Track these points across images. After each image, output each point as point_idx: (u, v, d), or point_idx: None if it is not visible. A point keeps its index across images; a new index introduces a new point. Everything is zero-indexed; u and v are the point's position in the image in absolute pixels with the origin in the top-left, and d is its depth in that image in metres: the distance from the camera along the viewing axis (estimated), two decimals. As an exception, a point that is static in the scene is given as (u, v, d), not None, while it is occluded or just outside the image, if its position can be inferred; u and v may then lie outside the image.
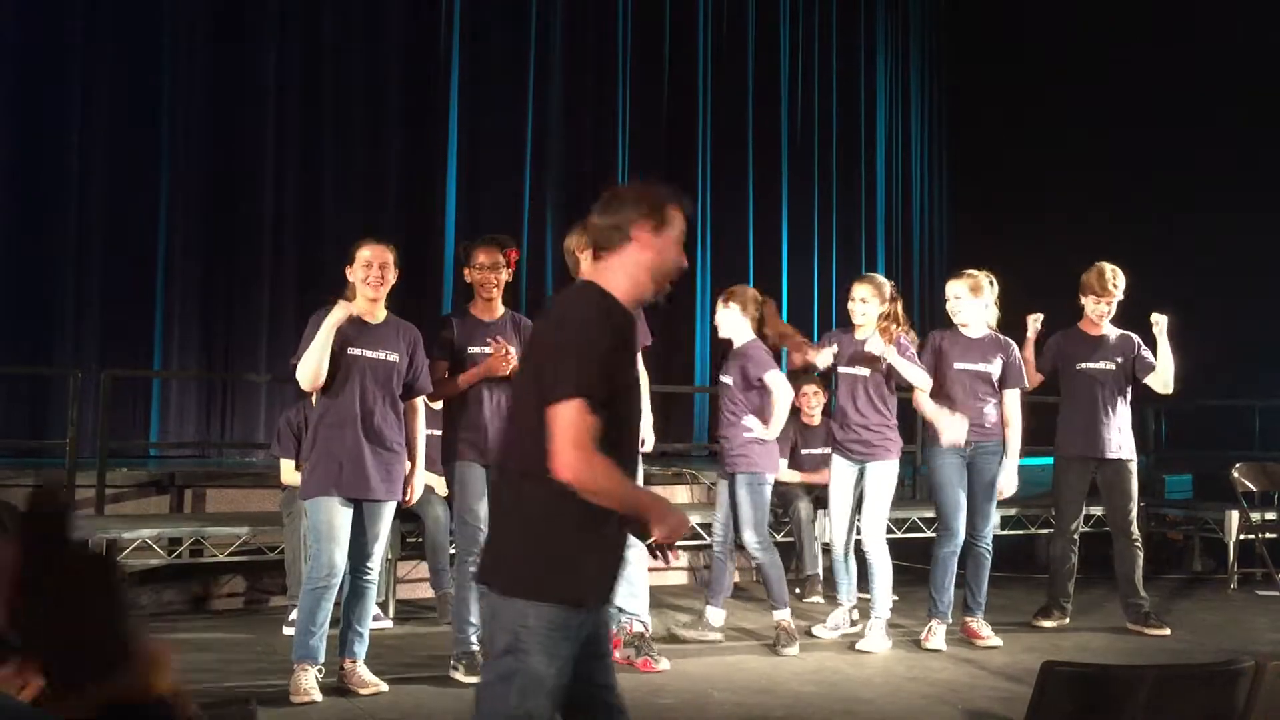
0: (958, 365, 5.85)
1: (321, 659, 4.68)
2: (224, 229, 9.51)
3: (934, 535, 6.06)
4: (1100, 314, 6.30)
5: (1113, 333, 6.36)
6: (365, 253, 4.75)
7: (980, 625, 5.87)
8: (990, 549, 5.94)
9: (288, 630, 5.83)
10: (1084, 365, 6.30)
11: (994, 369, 5.89)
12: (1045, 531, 8.08)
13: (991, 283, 5.98)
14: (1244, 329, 10.32)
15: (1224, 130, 10.77)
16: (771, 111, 12.66)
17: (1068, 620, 6.34)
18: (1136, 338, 6.37)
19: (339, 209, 9.94)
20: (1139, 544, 6.32)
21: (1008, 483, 5.93)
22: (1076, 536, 6.39)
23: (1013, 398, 5.96)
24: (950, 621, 5.81)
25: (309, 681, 4.62)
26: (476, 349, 5.00)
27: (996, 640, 5.80)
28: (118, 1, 9.08)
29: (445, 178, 10.54)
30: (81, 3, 8.93)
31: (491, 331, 5.02)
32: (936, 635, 5.74)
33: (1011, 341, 6.03)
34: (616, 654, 5.34)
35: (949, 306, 5.97)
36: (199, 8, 9.44)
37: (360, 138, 10.16)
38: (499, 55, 10.93)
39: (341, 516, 4.61)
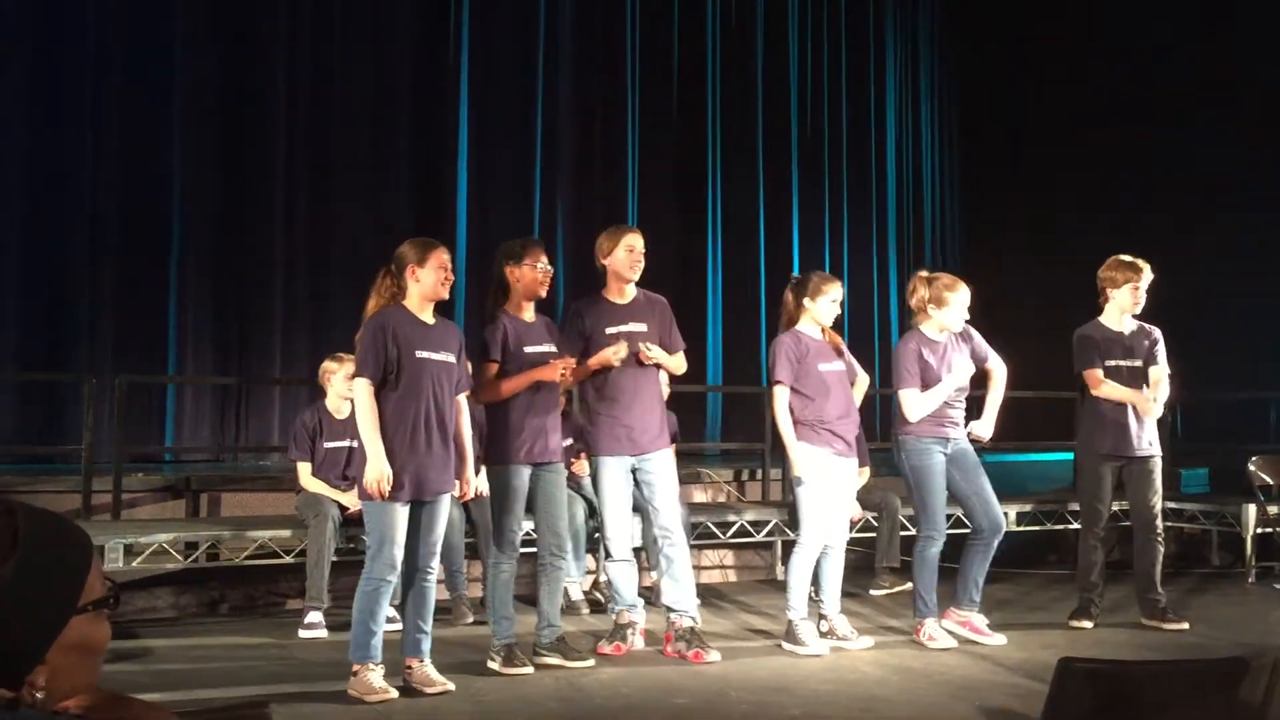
0: (947, 375, 5.77)
1: (381, 657, 4.71)
2: (236, 232, 9.56)
3: (926, 534, 5.89)
4: (1139, 301, 6.13)
5: (1134, 327, 6.26)
6: (445, 256, 4.83)
7: (980, 620, 5.82)
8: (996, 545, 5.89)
9: (304, 633, 5.86)
10: (1113, 363, 6.17)
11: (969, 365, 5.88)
12: (1061, 528, 8.06)
13: None
14: (1260, 322, 10.29)
15: (1241, 126, 10.73)
16: (781, 107, 12.66)
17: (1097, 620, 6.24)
18: (1158, 332, 6.28)
19: (350, 210, 9.98)
20: (1161, 540, 6.26)
21: (986, 429, 5.88)
22: (1104, 534, 6.31)
23: (998, 362, 5.95)
24: (937, 616, 5.78)
25: (380, 680, 4.66)
26: (530, 349, 5.13)
27: (1000, 638, 5.74)
28: (128, 5, 9.12)
29: (456, 178, 10.57)
30: (93, 10, 8.98)
31: (535, 331, 5.20)
32: (938, 633, 5.72)
33: (968, 329, 5.93)
34: (668, 649, 5.38)
35: (960, 314, 5.78)
36: (209, 8, 9.47)
37: (371, 137, 10.21)
38: (508, 53, 10.96)
39: (403, 517, 4.69)
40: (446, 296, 4.88)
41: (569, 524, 6.47)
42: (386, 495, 4.60)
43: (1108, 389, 6.19)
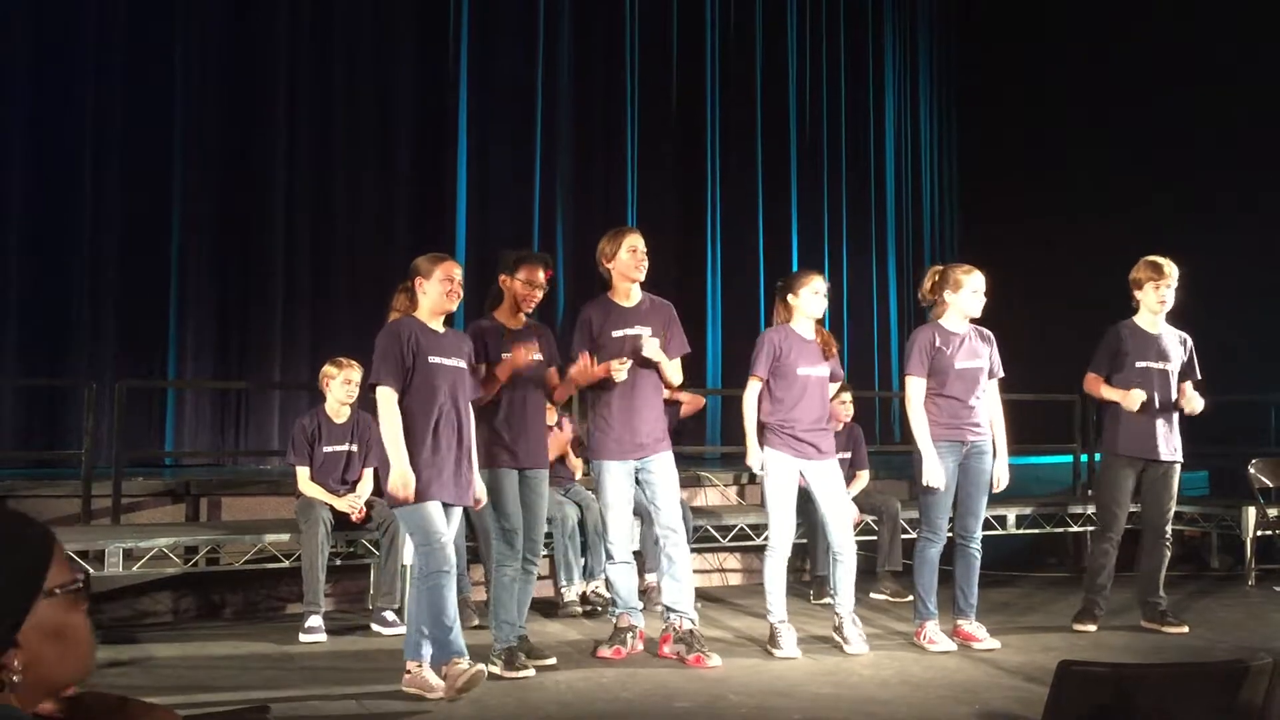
0: (960, 365, 5.76)
1: (464, 649, 4.70)
2: (237, 237, 9.56)
3: (919, 536, 5.92)
4: (1163, 300, 6.10)
5: (1169, 332, 6.24)
6: (452, 270, 4.87)
7: (975, 628, 5.80)
8: (980, 549, 5.90)
9: (304, 637, 5.86)
10: (1143, 364, 6.13)
11: (985, 364, 5.86)
12: (1061, 530, 8.06)
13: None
14: (1261, 324, 10.29)
15: (1242, 125, 10.74)
16: (780, 108, 12.67)
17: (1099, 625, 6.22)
18: (1190, 341, 6.27)
19: (350, 215, 9.99)
20: (1169, 544, 6.25)
21: (1004, 475, 5.86)
22: (1119, 539, 6.28)
23: (995, 388, 5.91)
24: (936, 618, 5.77)
25: (448, 675, 4.66)
26: (508, 355, 5.16)
27: (994, 642, 5.73)
28: (131, 16, 9.12)
29: (456, 184, 10.57)
30: (93, 12, 8.99)
31: (520, 338, 5.23)
32: (939, 636, 5.71)
33: (989, 332, 5.93)
34: (665, 650, 5.39)
35: (975, 301, 5.76)
36: (210, 23, 9.49)
37: (371, 146, 10.21)
38: (507, 55, 10.96)
39: (439, 512, 4.73)
40: (453, 309, 4.93)
41: (562, 528, 6.53)
42: (412, 499, 4.64)
43: (1105, 392, 6.19)
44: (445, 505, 4.81)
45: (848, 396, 7.42)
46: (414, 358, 4.76)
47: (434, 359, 4.79)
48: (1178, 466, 6.23)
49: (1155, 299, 6.13)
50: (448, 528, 4.83)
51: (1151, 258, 6.20)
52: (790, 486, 5.63)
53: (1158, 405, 6.11)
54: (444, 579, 4.67)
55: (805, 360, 5.64)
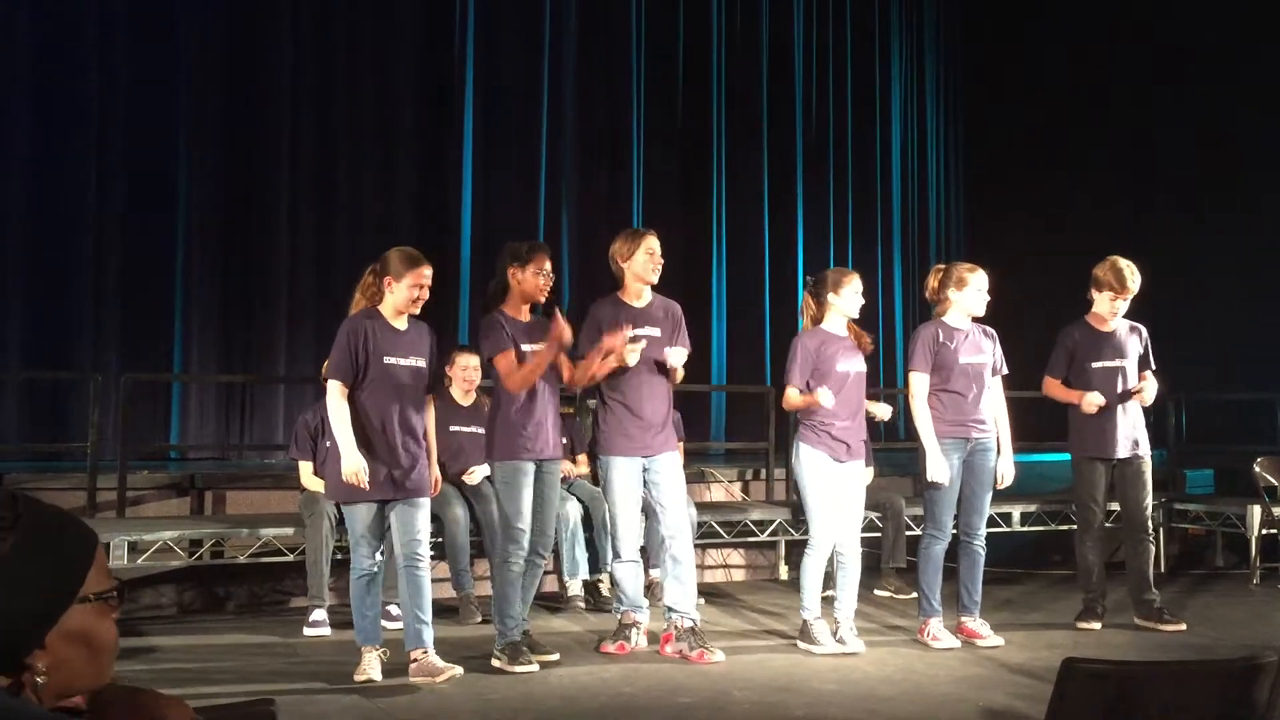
0: (964, 360, 5.77)
1: (378, 641, 4.92)
2: (241, 231, 9.58)
3: (923, 533, 5.93)
4: (1116, 311, 6.14)
5: (1122, 326, 6.24)
6: (424, 273, 4.92)
7: (979, 625, 5.80)
8: (984, 547, 5.90)
9: (309, 631, 5.88)
10: (1098, 364, 6.16)
11: (989, 359, 5.86)
12: (1065, 528, 8.05)
13: None
14: (1266, 322, 10.27)
15: (1246, 125, 10.72)
16: (786, 107, 12.64)
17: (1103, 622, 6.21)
18: (1144, 331, 6.28)
19: (355, 212, 9.99)
20: (1152, 539, 6.27)
21: (1009, 471, 5.88)
22: (1102, 535, 6.30)
23: (999, 385, 5.93)
24: (941, 615, 5.77)
25: (373, 663, 4.89)
26: (527, 347, 5.17)
27: (997, 639, 5.73)
28: (132, 16, 9.13)
29: (460, 177, 10.56)
30: (95, 10, 9.00)
31: (532, 331, 5.23)
32: (942, 633, 5.71)
33: (992, 329, 5.95)
34: (668, 649, 5.39)
35: (979, 299, 5.79)
36: (213, 21, 9.49)
37: (375, 137, 10.21)
38: (513, 58, 10.95)
39: (376, 520, 4.86)
40: (417, 312, 4.98)
41: (565, 524, 6.53)
42: (367, 485, 4.74)
43: (1062, 395, 6.24)
44: (399, 500, 4.86)
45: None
46: (368, 355, 4.82)
47: (389, 359, 4.85)
48: (1146, 460, 6.22)
49: (1109, 309, 6.16)
50: (415, 519, 4.89)
51: (1119, 264, 6.13)
52: (829, 483, 5.60)
53: (1118, 403, 6.12)
54: (366, 577, 4.88)
55: (843, 356, 5.64)
